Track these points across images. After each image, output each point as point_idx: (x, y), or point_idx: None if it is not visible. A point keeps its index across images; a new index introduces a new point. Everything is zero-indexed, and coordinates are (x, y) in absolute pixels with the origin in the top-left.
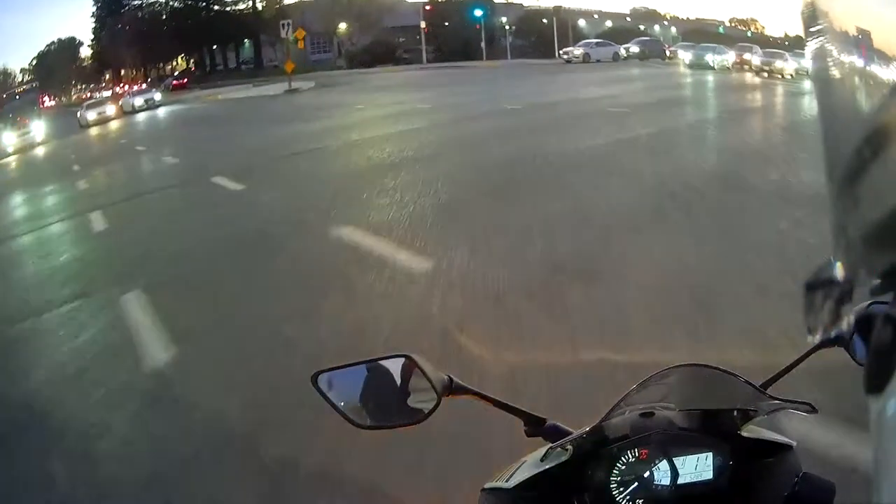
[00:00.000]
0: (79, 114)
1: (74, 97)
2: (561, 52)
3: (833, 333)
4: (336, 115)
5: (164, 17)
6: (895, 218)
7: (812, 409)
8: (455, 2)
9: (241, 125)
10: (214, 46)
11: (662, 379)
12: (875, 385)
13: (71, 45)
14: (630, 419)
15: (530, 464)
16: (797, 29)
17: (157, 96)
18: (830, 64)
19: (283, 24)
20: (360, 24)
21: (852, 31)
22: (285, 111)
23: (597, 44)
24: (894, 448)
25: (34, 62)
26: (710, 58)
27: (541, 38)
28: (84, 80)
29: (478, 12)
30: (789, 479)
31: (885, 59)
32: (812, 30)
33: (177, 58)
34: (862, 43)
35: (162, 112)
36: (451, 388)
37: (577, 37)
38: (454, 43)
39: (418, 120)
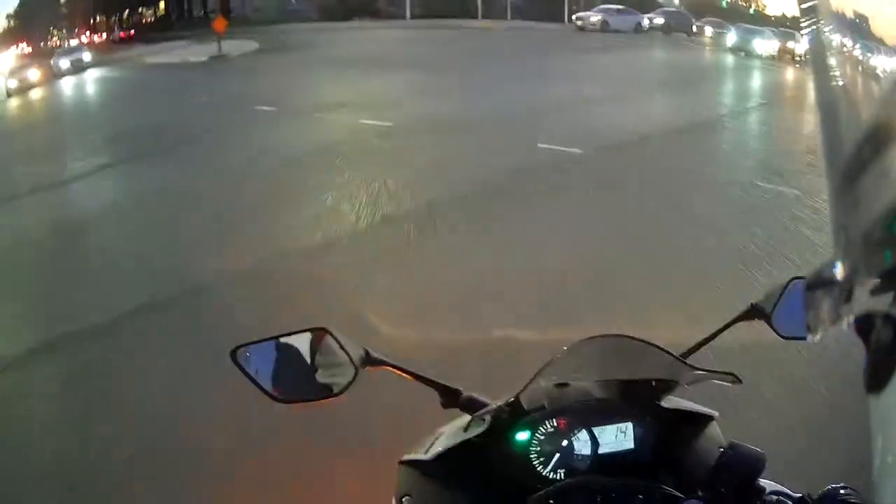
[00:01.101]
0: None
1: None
2: (574, 17)
3: (752, 303)
4: (226, 131)
5: None
6: (894, 218)
7: (736, 380)
8: None
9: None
10: None
11: (579, 351)
12: (875, 384)
13: None
14: (546, 390)
15: (448, 435)
16: (794, 9)
17: (87, 56)
18: (830, 65)
19: None
20: None
21: (850, 31)
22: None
23: (617, 10)
24: (894, 446)
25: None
26: (757, 43)
27: None
28: (61, 26)
29: None
30: (714, 449)
31: (883, 56)
32: (808, 20)
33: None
34: (860, 41)
35: (71, 82)
36: (368, 361)
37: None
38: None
39: (355, 185)
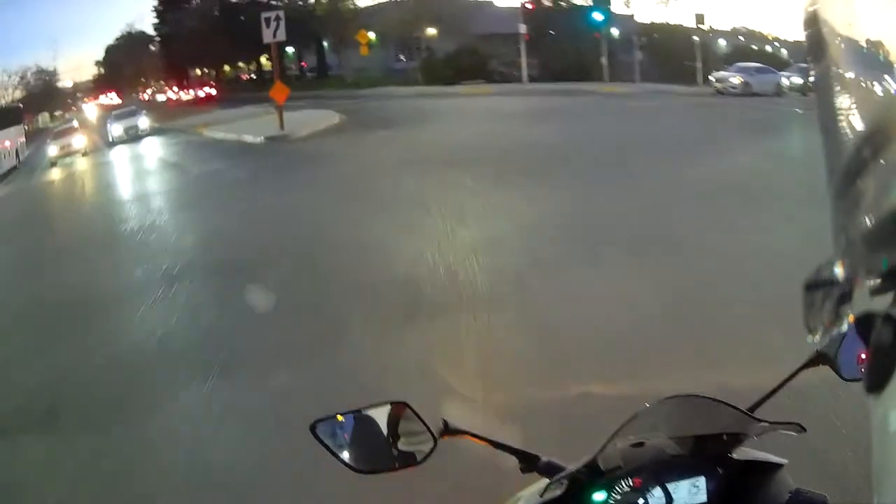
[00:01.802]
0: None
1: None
2: (712, 77)
3: (817, 350)
4: None
5: (215, 12)
6: (894, 218)
7: (801, 429)
8: (565, 4)
9: None
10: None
11: (652, 411)
12: (875, 385)
13: (142, 39)
14: (622, 450)
15: (527, 499)
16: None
17: (143, 123)
18: (830, 66)
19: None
20: (440, 28)
21: (851, 35)
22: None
23: (756, 69)
24: (894, 447)
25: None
26: None
27: (673, 57)
28: (151, 78)
29: (597, 16)
30: (781, 497)
31: (884, 61)
32: (811, 32)
33: (236, 61)
34: (861, 46)
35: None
36: (447, 430)
37: (711, 59)
38: (565, 56)
39: None
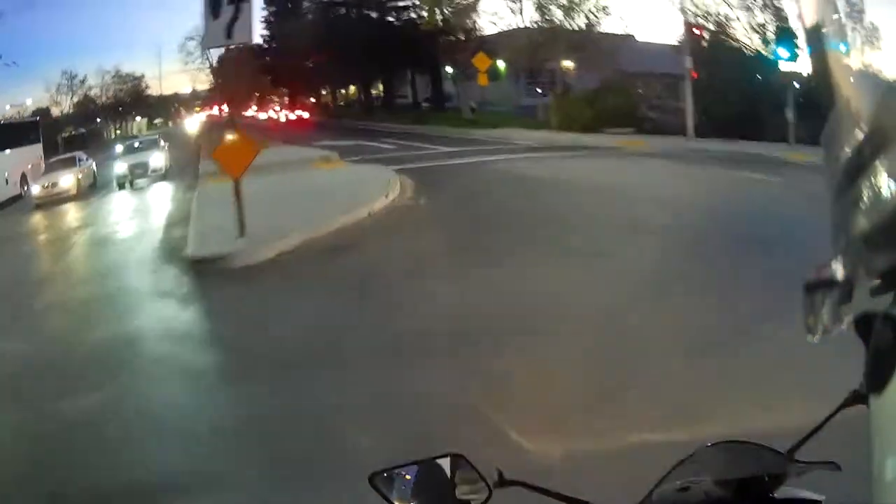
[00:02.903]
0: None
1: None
2: None
3: (856, 389)
4: None
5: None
6: (895, 218)
7: (836, 468)
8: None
9: None
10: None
11: (696, 458)
12: (875, 384)
13: (252, 51)
14: (669, 496)
15: None
16: None
17: (157, 161)
18: (830, 66)
19: None
20: (579, 61)
21: (851, 34)
22: None
23: None
24: (893, 447)
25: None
26: None
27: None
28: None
29: (783, 52)
30: None
31: (882, 61)
32: (812, 32)
33: (342, 84)
34: (861, 47)
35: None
36: (502, 482)
37: None
38: (732, 105)
39: None
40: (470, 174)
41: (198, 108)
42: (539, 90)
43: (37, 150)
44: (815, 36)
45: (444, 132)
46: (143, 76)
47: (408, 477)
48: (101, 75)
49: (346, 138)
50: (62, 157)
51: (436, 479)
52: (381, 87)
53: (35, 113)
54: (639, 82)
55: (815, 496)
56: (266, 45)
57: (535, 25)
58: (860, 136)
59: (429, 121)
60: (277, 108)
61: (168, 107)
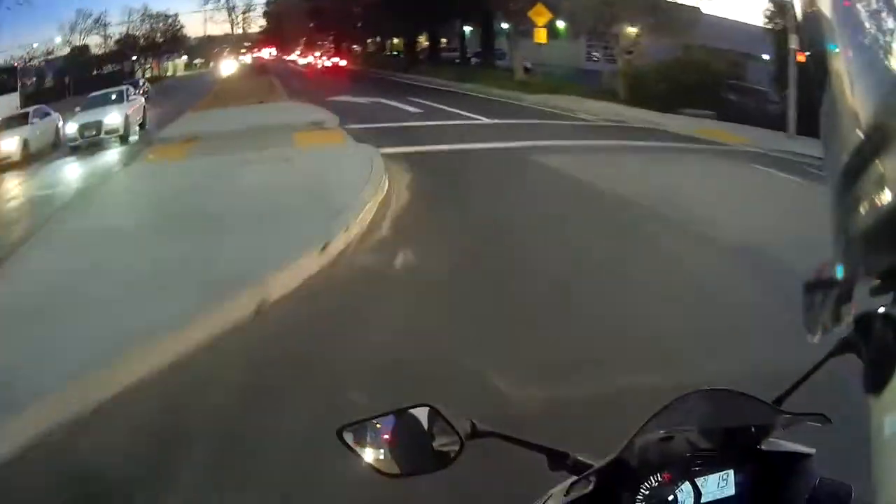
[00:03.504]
0: None
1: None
2: None
3: (844, 337)
4: None
5: None
6: (895, 218)
7: (826, 420)
8: None
9: None
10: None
11: (678, 405)
12: (875, 384)
13: None
14: (650, 445)
15: (556, 497)
16: None
17: (114, 119)
18: (830, 66)
19: None
20: (651, 27)
21: (851, 34)
22: None
23: None
24: (893, 446)
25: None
26: None
27: None
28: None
29: None
30: (808, 487)
31: (883, 60)
32: (810, 29)
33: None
34: (861, 45)
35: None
36: (475, 433)
37: None
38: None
39: None
40: (512, 179)
41: (243, 51)
42: (597, 55)
43: (12, 99)
44: (814, 34)
45: (490, 93)
46: (176, 15)
47: (380, 426)
48: (128, 13)
49: (369, 93)
50: (15, 114)
51: (408, 430)
52: (427, 38)
53: (74, 50)
54: (722, 60)
55: (805, 449)
56: None
57: None
58: (860, 135)
59: (474, 78)
60: (318, 55)
61: (212, 48)
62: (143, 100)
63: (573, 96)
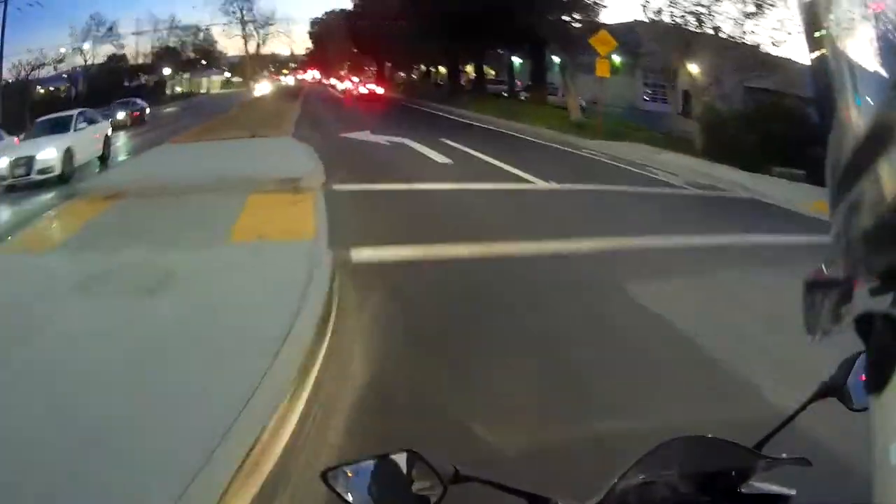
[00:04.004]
0: None
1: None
2: None
3: (825, 382)
4: None
5: None
6: (894, 218)
7: (806, 463)
8: None
9: None
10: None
11: (660, 452)
12: (875, 384)
13: (342, 17)
14: (633, 490)
15: None
16: None
17: (49, 154)
18: (830, 65)
19: None
20: (718, 67)
21: (851, 35)
22: None
23: None
24: (893, 446)
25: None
26: None
27: None
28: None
29: None
30: None
31: (882, 60)
32: (812, 30)
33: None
34: (862, 45)
35: None
36: (457, 478)
37: None
38: None
39: None
40: (602, 369)
41: (285, 71)
42: (648, 95)
43: None
44: (815, 36)
45: (542, 136)
46: (206, 28)
47: (361, 470)
48: (154, 24)
49: (395, 130)
50: None
51: (391, 475)
52: (472, 68)
53: (110, 59)
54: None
55: (784, 490)
56: (357, 10)
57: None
58: (860, 135)
59: (523, 116)
60: (355, 80)
61: (252, 66)
62: (107, 127)
63: (641, 144)
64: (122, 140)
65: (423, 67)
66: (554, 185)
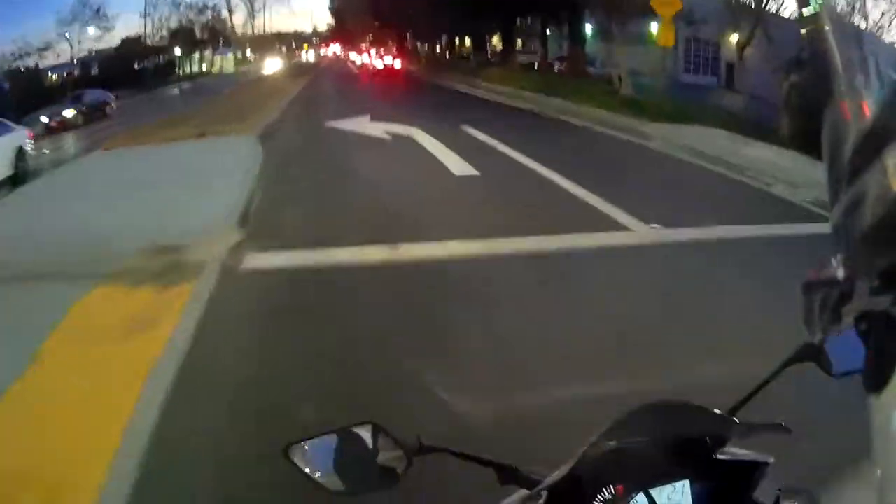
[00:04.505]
0: None
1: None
2: None
3: (803, 343)
4: None
5: None
6: (894, 218)
7: (785, 430)
8: None
9: None
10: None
11: (631, 416)
12: (875, 384)
13: None
14: (602, 457)
15: None
16: None
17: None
18: (830, 65)
19: None
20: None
21: (851, 33)
22: None
23: None
24: (894, 444)
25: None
26: None
27: None
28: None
29: None
30: (768, 495)
31: (883, 59)
32: (813, 30)
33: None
34: (860, 45)
35: None
36: (421, 449)
37: None
38: None
39: None
40: None
41: (306, 47)
42: (691, 69)
43: None
44: (815, 34)
45: (590, 117)
46: (215, 7)
47: (324, 444)
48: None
49: (404, 116)
50: None
51: (355, 448)
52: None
53: (125, 42)
54: None
55: (761, 457)
56: None
57: None
58: (860, 135)
59: (561, 91)
60: (373, 54)
61: (264, 43)
62: (21, 138)
63: (715, 129)
64: (69, 143)
65: (445, 40)
66: (662, 233)
